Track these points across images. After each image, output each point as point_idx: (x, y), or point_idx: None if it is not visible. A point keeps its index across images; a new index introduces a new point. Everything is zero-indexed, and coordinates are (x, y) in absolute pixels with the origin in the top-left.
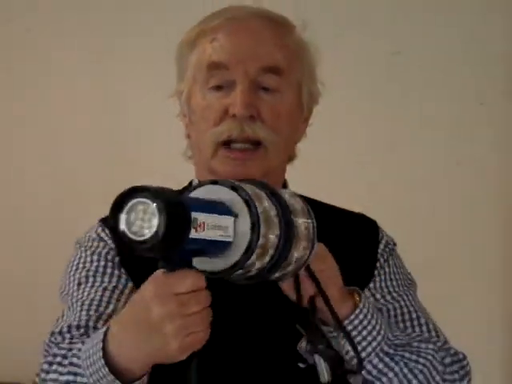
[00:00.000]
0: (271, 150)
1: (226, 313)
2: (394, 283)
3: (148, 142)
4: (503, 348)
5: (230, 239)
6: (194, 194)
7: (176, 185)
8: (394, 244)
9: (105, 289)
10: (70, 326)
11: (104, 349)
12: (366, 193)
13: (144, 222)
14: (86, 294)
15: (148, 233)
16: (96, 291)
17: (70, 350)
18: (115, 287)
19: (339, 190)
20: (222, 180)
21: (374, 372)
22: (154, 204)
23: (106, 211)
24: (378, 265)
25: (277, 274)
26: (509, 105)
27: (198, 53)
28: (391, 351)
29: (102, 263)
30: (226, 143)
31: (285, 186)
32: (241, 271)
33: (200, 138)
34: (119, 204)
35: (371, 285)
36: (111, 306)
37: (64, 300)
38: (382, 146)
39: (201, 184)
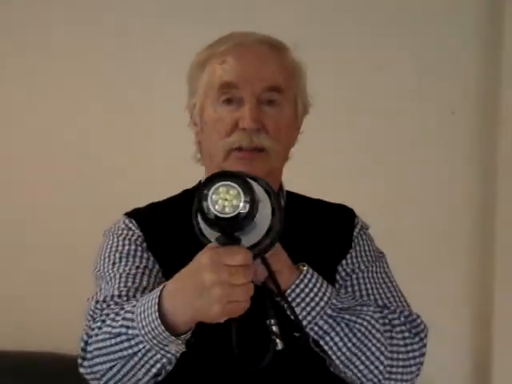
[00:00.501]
0: (273, 155)
1: None
2: (364, 259)
3: (159, 146)
4: (470, 319)
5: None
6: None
7: (181, 182)
8: (367, 228)
9: (137, 267)
10: (112, 296)
11: (159, 303)
12: (358, 195)
13: (227, 201)
14: (121, 270)
15: (231, 211)
16: (130, 269)
17: (122, 309)
18: (145, 267)
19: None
20: (242, 172)
21: (320, 332)
22: (240, 188)
23: (127, 205)
24: (352, 244)
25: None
26: (478, 114)
27: (208, 72)
28: (334, 314)
29: (133, 247)
30: (237, 151)
31: (281, 185)
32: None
33: (212, 145)
34: (207, 185)
35: (344, 261)
36: (145, 282)
37: (99, 278)
38: (365, 151)
39: (222, 173)
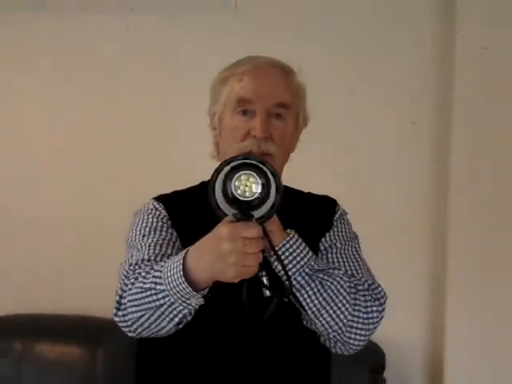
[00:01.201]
0: (276, 159)
1: None
2: (341, 237)
3: (180, 144)
4: (426, 286)
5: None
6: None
7: (196, 176)
8: (346, 213)
9: (163, 239)
10: (143, 260)
11: (183, 264)
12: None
13: (247, 187)
14: (150, 241)
15: (250, 196)
16: (157, 239)
17: (152, 269)
18: (170, 239)
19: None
20: (253, 156)
21: (298, 286)
22: (258, 177)
23: (150, 192)
24: (332, 226)
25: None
26: (436, 122)
27: (228, 88)
28: (311, 273)
29: (160, 223)
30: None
31: None
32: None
33: (228, 147)
34: (231, 172)
35: (324, 238)
36: (169, 250)
37: (131, 247)
38: (341, 155)
39: (236, 157)
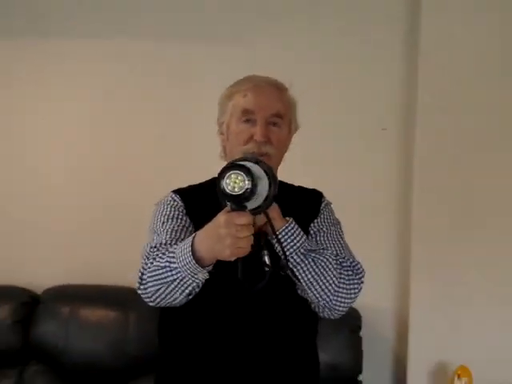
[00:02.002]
0: (273, 159)
1: None
2: (326, 223)
3: (195, 146)
4: (393, 262)
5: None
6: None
7: (208, 172)
8: (330, 203)
9: (179, 225)
10: (161, 243)
11: (192, 245)
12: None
13: (236, 184)
14: (167, 227)
15: (239, 190)
16: (174, 226)
17: (167, 250)
18: (184, 226)
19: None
20: (249, 156)
21: (294, 263)
22: (245, 176)
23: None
24: (319, 213)
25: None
26: (405, 130)
27: (234, 102)
28: (305, 252)
29: (177, 213)
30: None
31: None
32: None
33: (234, 149)
34: (223, 172)
35: (312, 224)
36: (183, 235)
37: (152, 232)
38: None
39: (235, 159)
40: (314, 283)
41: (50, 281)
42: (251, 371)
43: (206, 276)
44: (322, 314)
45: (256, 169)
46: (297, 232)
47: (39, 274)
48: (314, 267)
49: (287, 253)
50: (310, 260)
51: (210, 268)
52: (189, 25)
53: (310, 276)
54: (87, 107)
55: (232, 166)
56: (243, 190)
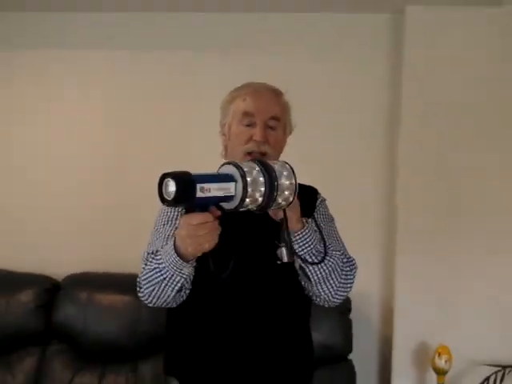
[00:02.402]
0: (271, 157)
1: (240, 230)
2: (323, 219)
3: (200, 145)
4: (380, 257)
5: (232, 194)
6: (221, 171)
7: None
8: (325, 200)
9: (172, 230)
10: (153, 252)
11: (174, 244)
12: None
13: (167, 190)
14: (162, 234)
15: (169, 197)
16: (168, 233)
17: (156, 256)
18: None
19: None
20: (232, 161)
21: (308, 257)
22: (171, 181)
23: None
24: (315, 210)
25: (273, 207)
26: (386, 140)
27: (235, 105)
28: (317, 253)
29: (176, 213)
30: (250, 153)
31: None
32: (246, 208)
33: (235, 149)
34: (160, 182)
35: (310, 219)
36: None
37: (153, 234)
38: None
39: (222, 164)
40: (322, 282)
41: (69, 269)
42: (250, 351)
43: (191, 271)
44: (318, 303)
45: (234, 171)
46: (312, 235)
47: (60, 262)
48: (324, 267)
49: (301, 253)
50: (320, 259)
51: (194, 263)
52: (193, 37)
53: (319, 274)
54: (88, 109)
55: (164, 175)
56: (173, 195)
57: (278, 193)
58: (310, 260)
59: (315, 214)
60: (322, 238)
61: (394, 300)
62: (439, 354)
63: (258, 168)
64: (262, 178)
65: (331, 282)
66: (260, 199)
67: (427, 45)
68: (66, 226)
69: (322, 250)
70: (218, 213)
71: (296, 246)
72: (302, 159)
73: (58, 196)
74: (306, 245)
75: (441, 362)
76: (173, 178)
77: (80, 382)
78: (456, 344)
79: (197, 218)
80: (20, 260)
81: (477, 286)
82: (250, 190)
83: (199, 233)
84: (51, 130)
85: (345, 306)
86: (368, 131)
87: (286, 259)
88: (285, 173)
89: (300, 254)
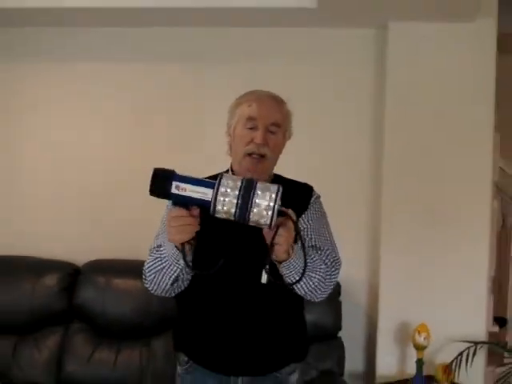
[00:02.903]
0: (269, 160)
1: (236, 239)
2: (315, 216)
3: (206, 145)
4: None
5: (209, 199)
6: (225, 177)
7: (220, 167)
8: (319, 196)
9: None
10: (158, 245)
11: None
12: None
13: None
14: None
15: (152, 193)
16: None
17: (159, 248)
18: None
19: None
20: (222, 172)
21: (294, 281)
22: (153, 174)
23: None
24: (309, 207)
25: (251, 222)
26: (373, 144)
27: (241, 109)
28: (303, 272)
29: None
30: (250, 154)
31: (272, 174)
32: (222, 216)
33: (238, 149)
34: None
35: (303, 215)
36: None
37: (160, 228)
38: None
39: (222, 173)
40: (309, 292)
41: (88, 256)
42: (250, 330)
43: (187, 262)
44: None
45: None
46: (297, 262)
47: (80, 250)
48: (310, 283)
49: (287, 274)
50: (307, 279)
51: (189, 255)
52: (200, 48)
53: (306, 289)
54: (100, 103)
55: (154, 169)
56: (152, 192)
57: (253, 210)
58: (294, 280)
59: (307, 211)
60: (305, 259)
61: (378, 285)
62: (419, 332)
63: (239, 183)
64: (237, 192)
65: (316, 292)
66: (232, 210)
67: (408, 56)
68: (86, 218)
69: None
70: (195, 212)
71: (282, 270)
72: (297, 157)
73: (81, 191)
74: (292, 271)
75: (420, 339)
76: (154, 172)
77: (99, 357)
78: (433, 323)
79: (173, 211)
80: (46, 248)
81: (451, 272)
82: (221, 199)
83: (172, 224)
84: (78, 120)
85: (335, 290)
86: (355, 133)
87: (264, 281)
88: (266, 194)
89: (285, 276)
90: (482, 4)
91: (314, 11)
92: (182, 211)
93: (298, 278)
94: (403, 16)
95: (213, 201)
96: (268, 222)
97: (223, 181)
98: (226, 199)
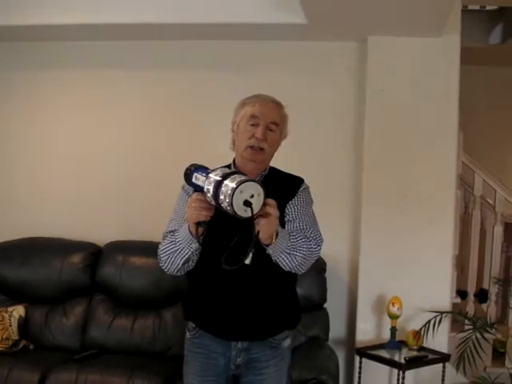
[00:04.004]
0: (267, 153)
1: (236, 226)
2: (302, 202)
3: (213, 139)
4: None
5: (202, 185)
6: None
7: (225, 161)
8: (308, 187)
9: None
10: (175, 230)
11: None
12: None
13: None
14: (179, 214)
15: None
16: (183, 214)
17: (174, 234)
18: None
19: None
20: (219, 167)
21: (279, 258)
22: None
23: None
24: (297, 195)
25: (222, 205)
26: (354, 140)
27: (245, 109)
28: (287, 251)
29: (188, 197)
30: (251, 147)
31: (268, 167)
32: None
33: (240, 143)
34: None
35: (291, 201)
36: None
37: (173, 213)
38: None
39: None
40: (294, 268)
41: (109, 237)
42: (250, 300)
43: (197, 246)
44: None
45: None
46: (282, 244)
47: (102, 232)
48: (294, 260)
49: (273, 254)
50: (291, 256)
51: (201, 239)
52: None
53: (290, 265)
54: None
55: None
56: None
57: (220, 197)
58: (279, 259)
59: (295, 198)
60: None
61: (358, 262)
62: (393, 304)
63: (220, 172)
64: (218, 178)
65: (300, 267)
66: (210, 195)
67: (385, 67)
68: (107, 204)
69: (289, 251)
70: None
71: (269, 251)
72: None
73: (105, 186)
74: (276, 252)
75: (394, 309)
76: (187, 167)
77: (118, 324)
78: (405, 295)
79: (195, 194)
80: (73, 231)
81: (421, 251)
82: (208, 187)
83: (192, 205)
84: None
85: (321, 267)
86: (339, 132)
87: (248, 262)
88: (234, 181)
89: (272, 255)
90: (447, 22)
91: (303, 27)
92: (201, 196)
93: (283, 259)
94: (381, 31)
95: (205, 186)
96: (226, 204)
97: (216, 171)
98: (210, 187)
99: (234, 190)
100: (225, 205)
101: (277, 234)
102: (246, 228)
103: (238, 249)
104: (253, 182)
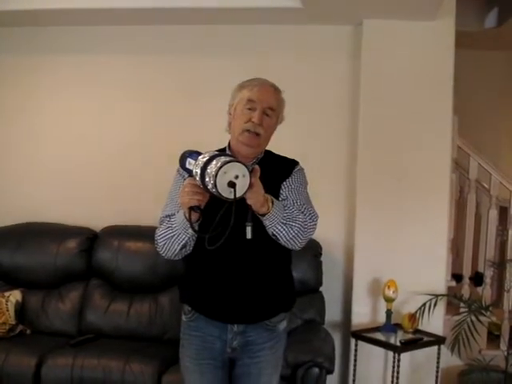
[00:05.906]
0: (262, 138)
1: (230, 210)
2: (296, 182)
3: (210, 124)
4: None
5: (191, 168)
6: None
7: (221, 144)
8: (303, 169)
9: None
10: (168, 215)
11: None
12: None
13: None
14: (174, 200)
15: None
16: (177, 199)
17: (170, 219)
18: None
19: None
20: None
21: (275, 229)
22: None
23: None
24: (291, 175)
25: (208, 186)
26: (350, 124)
27: (243, 92)
28: (283, 221)
29: (183, 180)
30: (247, 131)
31: (264, 151)
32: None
33: (236, 127)
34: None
35: (285, 182)
36: None
37: (168, 198)
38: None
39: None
40: (290, 240)
41: (105, 222)
42: (245, 283)
43: (194, 232)
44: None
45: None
46: (278, 214)
47: (98, 217)
48: (290, 231)
49: (270, 225)
50: (287, 227)
51: (196, 226)
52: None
53: (287, 237)
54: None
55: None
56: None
57: (207, 172)
58: (276, 230)
59: (289, 178)
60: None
61: (354, 246)
62: (388, 287)
63: (207, 156)
64: (205, 159)
65: (296, 240)
66: (197, 178)
67: (380, 50)
68: (103, 189)
69: (285, 221)
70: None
71: (265, 222)
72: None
73: (101, 171)
74: (273, 222)
75: (389, 292)
76: (182, 153)
77: (114, 308)
78: (401, 279)
79: (188, 179)
80: (68, 216)
81: (416, 235)
82: (195, 170)
83: (186, 189)
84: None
85: (317, 251)
86: (336, 115)
87: (249, 236)
88: (218, 162)
89: (269, 226)
90: (442, 5)
91: (299, 10)
92: (193, 180)
93: (280, 230)
94: (376, 15)
95: (194, 170)
96: (210, 185)
97: (204, 154)
98: (198, 170)
99: (217, 170)
100: (210, 186)
101: (272, 203)
102: (226, 208)
103: (238, 228)
104: (237, 163)
